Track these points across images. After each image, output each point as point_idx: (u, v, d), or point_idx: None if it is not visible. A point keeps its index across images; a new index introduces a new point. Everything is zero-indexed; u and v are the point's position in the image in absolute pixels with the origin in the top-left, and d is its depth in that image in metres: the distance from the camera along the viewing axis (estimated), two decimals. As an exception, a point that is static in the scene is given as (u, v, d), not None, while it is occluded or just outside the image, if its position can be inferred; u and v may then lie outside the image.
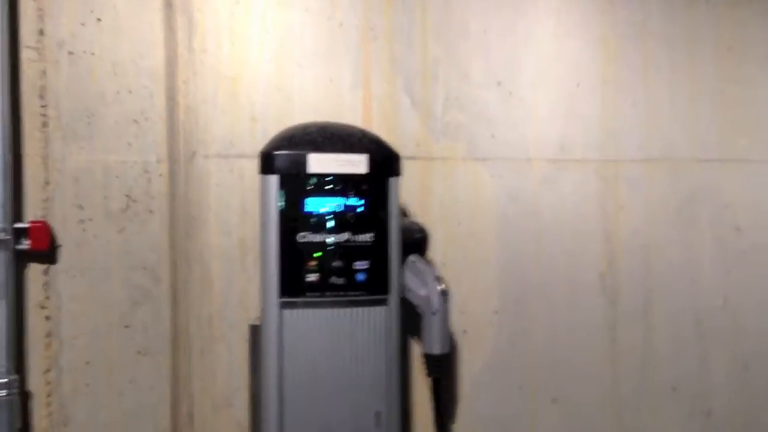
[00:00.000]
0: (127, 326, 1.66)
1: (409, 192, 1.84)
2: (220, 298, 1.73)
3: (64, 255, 1.62)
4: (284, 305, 1.51)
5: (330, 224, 1.54)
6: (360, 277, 1.55)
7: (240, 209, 1.75)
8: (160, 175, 1.68)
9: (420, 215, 1.89)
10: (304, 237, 1.52)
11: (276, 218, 1.51)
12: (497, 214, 1.94)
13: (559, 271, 1.97)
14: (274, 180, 1.51)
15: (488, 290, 1.93)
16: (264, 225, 1.52)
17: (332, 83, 1.83)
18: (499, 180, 1.93)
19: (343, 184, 1.54)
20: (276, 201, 1.51)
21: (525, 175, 1.95)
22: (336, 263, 1.54)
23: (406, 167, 1.68)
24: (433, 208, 1.90)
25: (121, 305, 1.66)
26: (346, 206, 1.54)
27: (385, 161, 1.58)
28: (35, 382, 1.60)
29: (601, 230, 2.00)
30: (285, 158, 1.51)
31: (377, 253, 1.57)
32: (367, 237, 1.56)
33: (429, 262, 1.70)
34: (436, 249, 1.85)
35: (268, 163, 1.52)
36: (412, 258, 1.67)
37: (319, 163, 1.52)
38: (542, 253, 1.96)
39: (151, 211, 1.67)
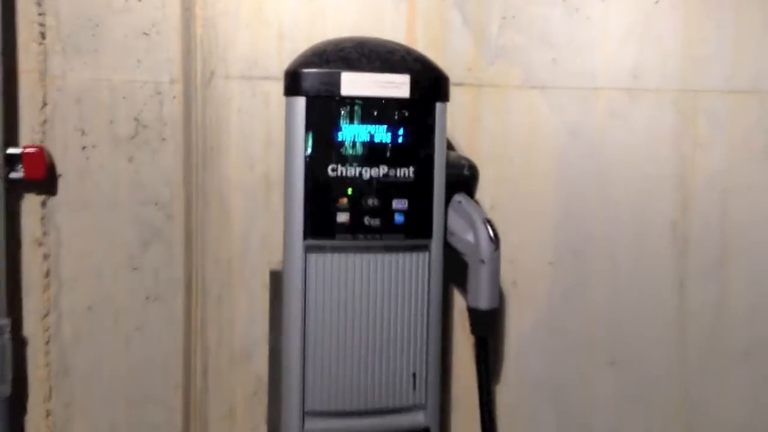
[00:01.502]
0: (135, 268, 1.48)
1: (455, 123, 1.60)
2: (240, 239, 1.54)
3: (64, 186, 1.44)
4: (310, 248, 1.31)
5: (365, 156, 1.32)
6: (398, 218, 1.34)
7: (264, 139, 1.54)
8: (174, 97, 1.47)
9: (467, 150, 1.65)
10: (335, 170, 1.31)
11: (302, 148, 1.30)
12: (556, 153, 1.69)
13: (624, 219, 1.73)
14: (300, 103, 1.29)
15: (543, 238, 1.71)
16: (288, 155, 1.31)
17: (371, -3, 1.59)
18: (560, 112, 1.69)
19: (382, 109, 1.31)
20: (303, 127, 1.29)
21: (590, 108, 1.69)
22: (371, 201, 1.32)
23: (454, 95, 1.45)
24: (482, 143, 1.66)
25: (129, 245, 1.47)
26: (384, 135, 1.32)
27: (432, 84, 1.35)
28: (32, 328, 1.43)
29: (675, 172, 1.74)
30: (314, 77, 1.29)
31: (419, 191, 1.35)
32: (407, 172, 1.34)
33: (477, 204, 1.48)
34: (484, 190, 1.61)
35: (294, 82, 1.30)
36: (457, 198, 1.45)
37: (354, 83, 1.30)
38: (606, 198, 1.71)
39: (163, 139, 1.47)
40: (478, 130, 1.66)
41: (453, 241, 1.44)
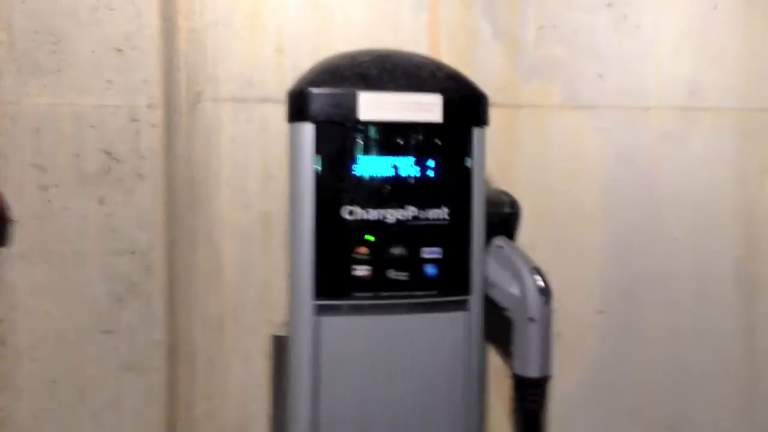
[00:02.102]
0: (107, 331, 1.22)
1: (488, 149, 1.36)
2: (234, 292, 1.28)
3: (21, 234, 1.18)
4: (321, 310, 1.05)
5: (389, 195, 1.07)
6: (430, 270, 1.09)
7: (262, 172, 1.29)
8: (153, 125, 1.22)
9: (501, 181, 1.41)
10: (352, 213, 1.06)
11: (311, 186, 1.05)
12: (603, 181, 1.45)
13: (682, 257, 1.48)
14: (308, 131, 1.04)
15: (590, 282, 1.46)
16: (294, 196, 1.06)
17: (387, 3, 1.34)
18: (607, 135, 1.44)
19: (409, 136, 1.07)
20: (311, 161, 1.05)
21: (641, 129, 1.45)
22: (396, 251, 1.07)
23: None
24: (518, 172, 1.42)
25: (99, 303, 1.22)
26: (411, 169, 1.08)
27: (468, 105, 1.10)
28: (-21, 410, 1.17)
29: (739, 202, 1.50)
30: (325, 99, 1.04)
31: (455, 236, 1.10)
32: (441, 213, 1.09)
33: (520, 248, 1.23)
34: (522, 225, 1.37)
35: (300, 105, 1.05)
36: (497, 242, 1.20)
37: (375, 105, 1.05)
38: (661, 232, 1.47)
39: (140, 175, 1.22)
40: (513, 156, 1.42)
41: (494, 293, 1.19)
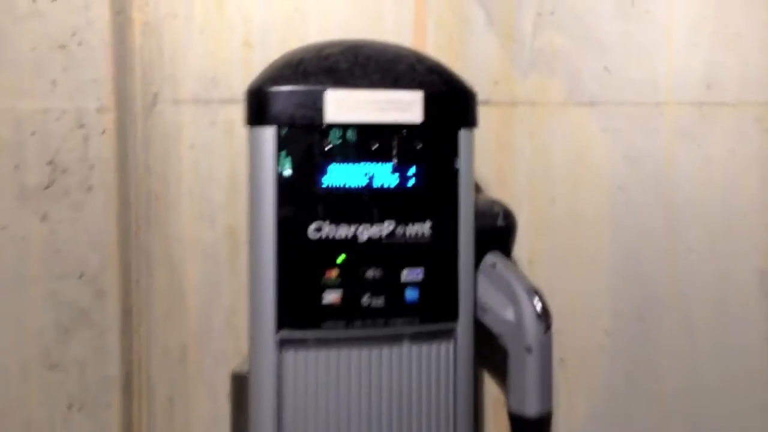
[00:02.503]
0: (53, 366, 1.08)
1: (479, 153, 1.21)
2: (198, 319, 1.14)
3: (-49, 256, 1.05)
4: (285, 343, 0.91)
5: (362, 208, 0.93)
6: (411, 294, 0.95)
7: (228, 182, 1.16)
8: (104, 131, 1.09)
9: (495, 189, 1.27)
10: (320, 230, 0.92)
11: (272, 200, 0.91)
12: (611, 186, 1.30)
13: (700, 270, 1.33)
14: (268, 136, 0.91)
15: (596, 300, 1.31)
16: (254, 212, 0.92)
17: (367, -10, 1.21)
18: (615, 135, 1.30)
19: (385, 140, 0.93)
20: (273, 171, 0.91)
21: (653, 128, 1.30)
22: (371, 273, 0.93)
23: (479, 115, 1.07)
24: (515, 178, 1.28)
25: (44, 334, 1.08)
26: (388, 178, 0.94)
27: (454, 103, 0.96)
28: None
29: (762, 206, 1.35)
30: (286, 98, 0.90)
31: (439, 254, 0.96)
32: (423, 228, 0.95)
33: (517, 266, 1.09)
34: (519, 238, 1.21)
35: (258, 106, 0.92)
36: (490, 258, 1.06)
37: (344, 105, 0.91)
38: (677, 243, 1.32)
39: (89, 188, 1.08)
40: (509, 160, 1.27)
41: (486, 319, 1.05)
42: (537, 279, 1.28)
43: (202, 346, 1.14)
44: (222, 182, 1.14)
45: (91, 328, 1.09)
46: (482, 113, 1.19)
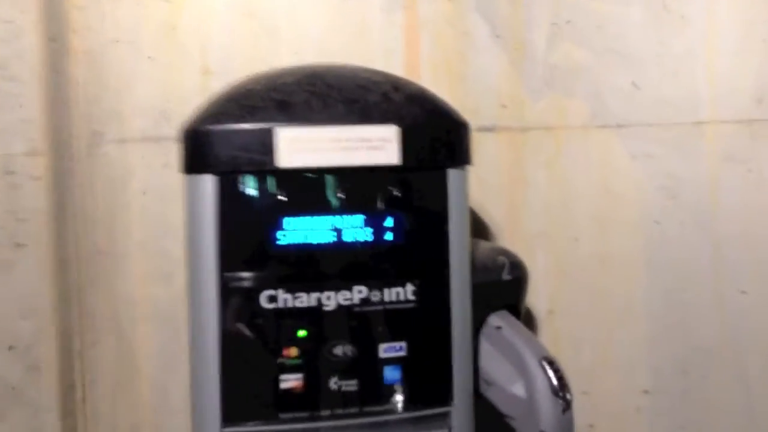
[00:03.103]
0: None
1: (485, 188, 1.04)
2: (153, 394, 0.98)
3: None
4: (235, 443, 0.74)
5: (328, 271, 0.75)
6: (391, 374, 0.77)
7: (190, 231, 0.99)
8: (36, 178, 0.93)
9: (507, 229, 1.08)
10: (274, 299, 0.74)
11: (215, 263, 0.74)
12: (644, 221, 1.10)
13: (752, 317, 1.12)
14: (208, 185, 0.73)
15: (631, 355, 1.11)
16: (193, 277, 0.75)
17: (349, 3, 1.03)
18: (647, 162, 1.10)
19: (354, 187, 0.75)
20: (214, 228, 0.73)
21: (693, 151, 1.10)
22: (341, 350, 0.75)
23: (484, 144, 0.91)
24: (529, 215, 1.09)
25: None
26: (359, 233, 0.76)
27: (440, 137, 0.78)
28: None
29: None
30: (229, 139, 0.73)
31: (426, 322, 0.78)
32: (404, 292, 0.77)
33: (526, 329, 0.89)
34: (537, 285, 1.03)
35: (195, 150, 0.74)
36: (495, 320, 0.87)
37: (300, 145, 0.73)
38: (725, 284, 1.11)
39: (19, 245, 0.92)
40: (522, 196, 1.09)
41: (491, 395, 0.86)
42: (558, 332, 1.10)
43: (157, 426, 0.97)
44: (179, 232, 0.97)
45: (24, 408, 0.92)
46: (488, 141, 1.02)
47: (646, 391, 1.11)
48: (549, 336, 1.08)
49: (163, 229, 0.98)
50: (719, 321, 1.12)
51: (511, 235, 1.07)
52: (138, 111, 0.97)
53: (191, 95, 0.97)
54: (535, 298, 1.06)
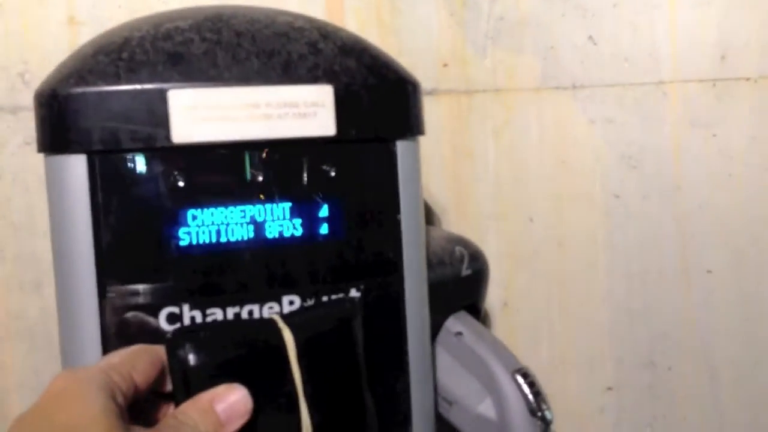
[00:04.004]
0: None
1: (428, 162, 0.87)
2: None
3: None
4: None
5: (245, 277, 0.57)
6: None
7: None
8: None
9: (452, 210, 0.92)
10: (178, 318, 0.55)
11: (92, 274, 0.54)
12: (604, 195, 0.97)
13: (723, 297, 1.00)
14: (76, 169, 0.54)
15: (593, 348, 0.98)
16: (63, 294, 0.56)
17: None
18: (606, 127, 0.96)
19: (277, 166, 0.57)
20: (87, 227, 0.54)
21: (656, 115, 0.97)
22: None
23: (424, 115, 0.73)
24: (477, 193, 0.93)
25: None
26: (287, 226, 0.58)
27: (385, 99, 0.60)
28: None
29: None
30: (101, 106, 0.53)
31: (374, 336, 0.60)
32: (347, 302, 0.59)
33: (491, 334, 0.74)
34: (489, 273, 0.88)
35: (56, 122, 0.54)
36: (453, 325, 0.72)
37: (202, 113, 0.54)
38: (691, 264, 0.99)
39: None
40: (468, 170, 0.93)
41: (453, 415, 0.70)
42: (514, 326, 0.95)
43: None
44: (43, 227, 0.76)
45: None
46: (428, 107, 0.85)
47: (609, 388, 0.98)
48: (504, 332, 0.94)
49: (28, 225, 0.76)
50: (685, 304, 1.00)
51: (457, 218, 0.92)
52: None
53: (55, 51, 0.76)
54: (488, 288, 0.90)
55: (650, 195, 0.97)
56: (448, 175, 0.92)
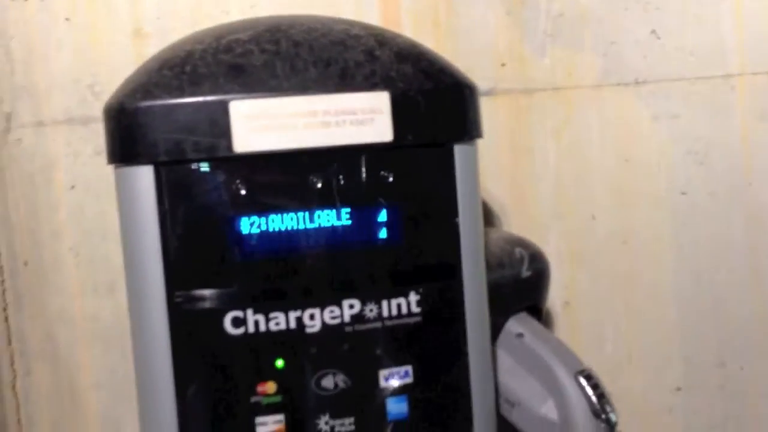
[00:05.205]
0: None
1: (486, 165, 0.87)
2: (101, 430, 0.80)
3: None
4: (201, 507, 0.57)
5: (307, 281, 0.58)
6: (395, 408, 0.60)
7: (135, 231, 0.81)
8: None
9: (512, 212, 0.92)
10: (243, 321, 0.57)
11: (161, 281, 0.56)
12: (670, 193, 0.95)
13: (794, 296, 0.98)
14: (144, 180, 0.56)
15: (660, 348, 0.96)
16: (134, 300, 0.58)
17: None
18: (671, 123, 0.94)
19: (334, 173, 0.58)
20: (155, 234, 0.56)
21: (723, 109, 0.94)
22: (331, 381, 0.59)
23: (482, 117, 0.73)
24: (537, 193, 0.92)
25: None
26: (345, 231, 0.59)
27: (442, 104, 0.61)
28: None
29: None
30: (166, 118, 0.55)
31: (434, 339, 0.61)
32: (406, 304, 0.60)
33: (553, 336, 0.74)
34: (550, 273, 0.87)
35: (125, 135, 0.56)
36: (514, 326, 0.72)
37: (262, 123, 0.56)
38: (762, 265, 0.96)
39: None
40: (528, 171, 0.92)
41: (515, 417, 0.70)
42: (577, 326, 0.94)
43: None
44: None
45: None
46: (486, 108, 0.84)
47: (678, 389, 0.96)
48: (566, 332, 0.93)
49: (100, 230, 0.80)
50: (758, 303, 0.97)
51: (517, 218, 0.91)
52: (55, 87, 0.78)
53: (123, 64, 0.79)
54: (550, 288, 0.90)
55: (717, 191, 0.94)
56: (507, 176, 0.91)
